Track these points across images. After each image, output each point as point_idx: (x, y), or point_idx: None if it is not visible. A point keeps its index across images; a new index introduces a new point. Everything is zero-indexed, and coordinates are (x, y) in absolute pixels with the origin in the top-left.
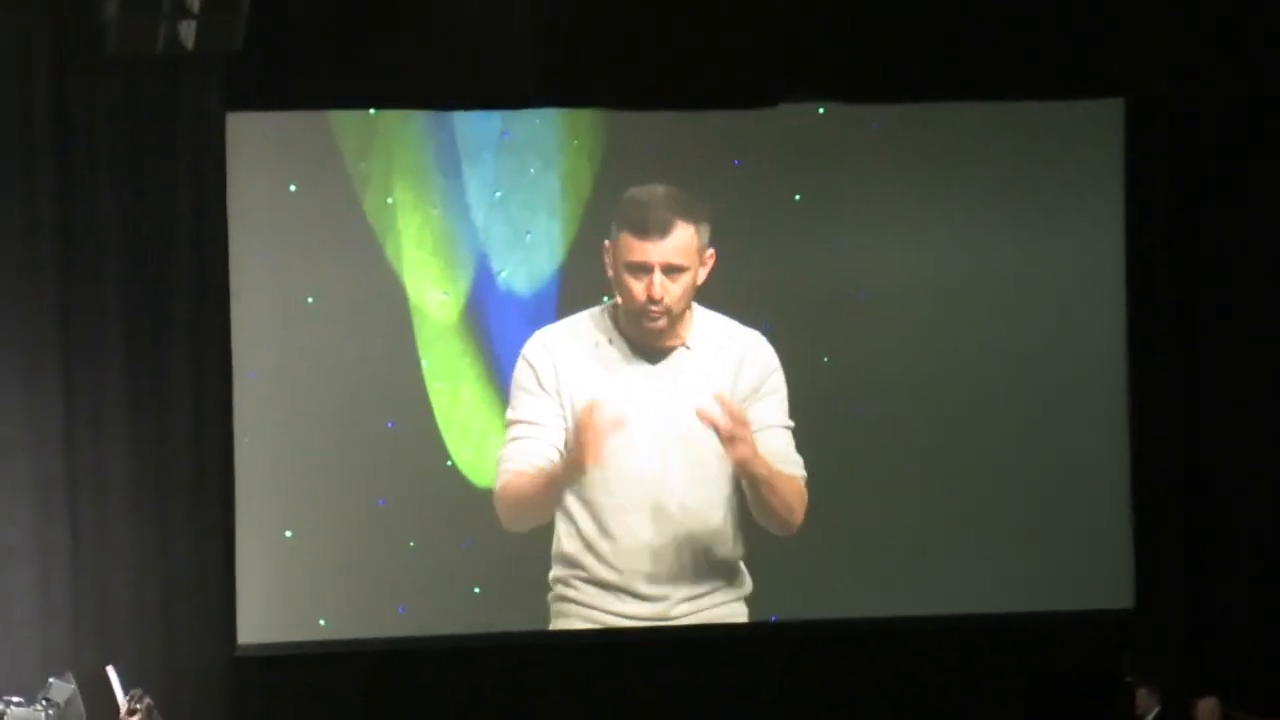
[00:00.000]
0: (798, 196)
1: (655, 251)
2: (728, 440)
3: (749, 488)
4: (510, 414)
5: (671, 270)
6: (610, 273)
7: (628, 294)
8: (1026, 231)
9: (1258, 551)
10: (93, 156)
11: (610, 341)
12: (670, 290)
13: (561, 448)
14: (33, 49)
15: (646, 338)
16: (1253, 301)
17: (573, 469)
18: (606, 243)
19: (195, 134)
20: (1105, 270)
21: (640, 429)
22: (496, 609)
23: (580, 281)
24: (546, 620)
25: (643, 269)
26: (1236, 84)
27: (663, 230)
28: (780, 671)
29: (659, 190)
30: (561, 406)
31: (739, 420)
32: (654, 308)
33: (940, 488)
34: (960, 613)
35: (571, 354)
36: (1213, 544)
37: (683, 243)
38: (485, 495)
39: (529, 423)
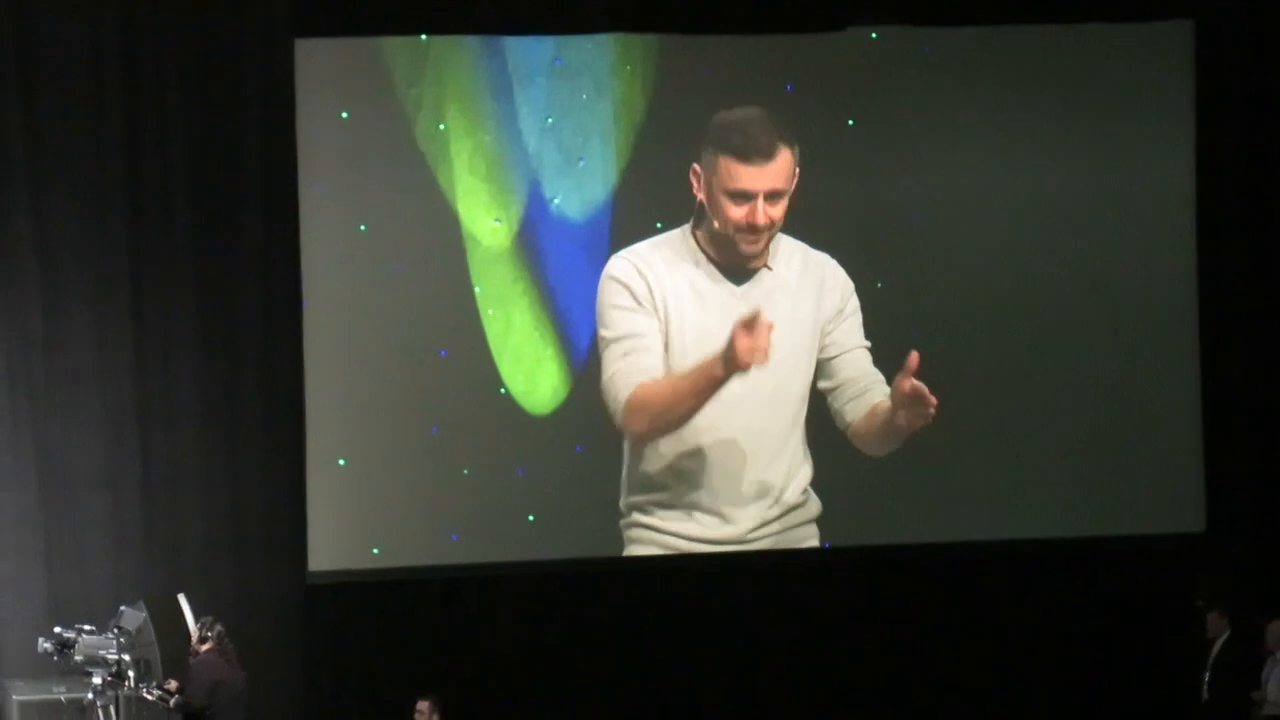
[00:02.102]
0: (851, 121)
1: (760, 178)
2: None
3: (887, 416)
4: (607, 333)
5: (773, 195)
6: (701, 196)
7: (725, 219)
8: (1089, 155)
9: None
10: (161, 84)
11: (696, 264)
12: (772, 215)
13: (663, 361)
14: None
15: (735, 260)
16: None
17: (721, 378)
18: (696, 166)
19: (263, 60)
20: (1174, 193)
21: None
22: (554, 536)
23: (633, 207)
24: (611, 547)
25: (745, 196)
26: None
27: (767, 155)
28: (851, 596)
29: (755, 113)
30: (659, 321)
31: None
32: (753, 234)
33: (1006, 414)
34: (1031, 538)
35: (660, 274)
36: None
37: (784, 167)
38: (539, 423)
39: (632, 336)
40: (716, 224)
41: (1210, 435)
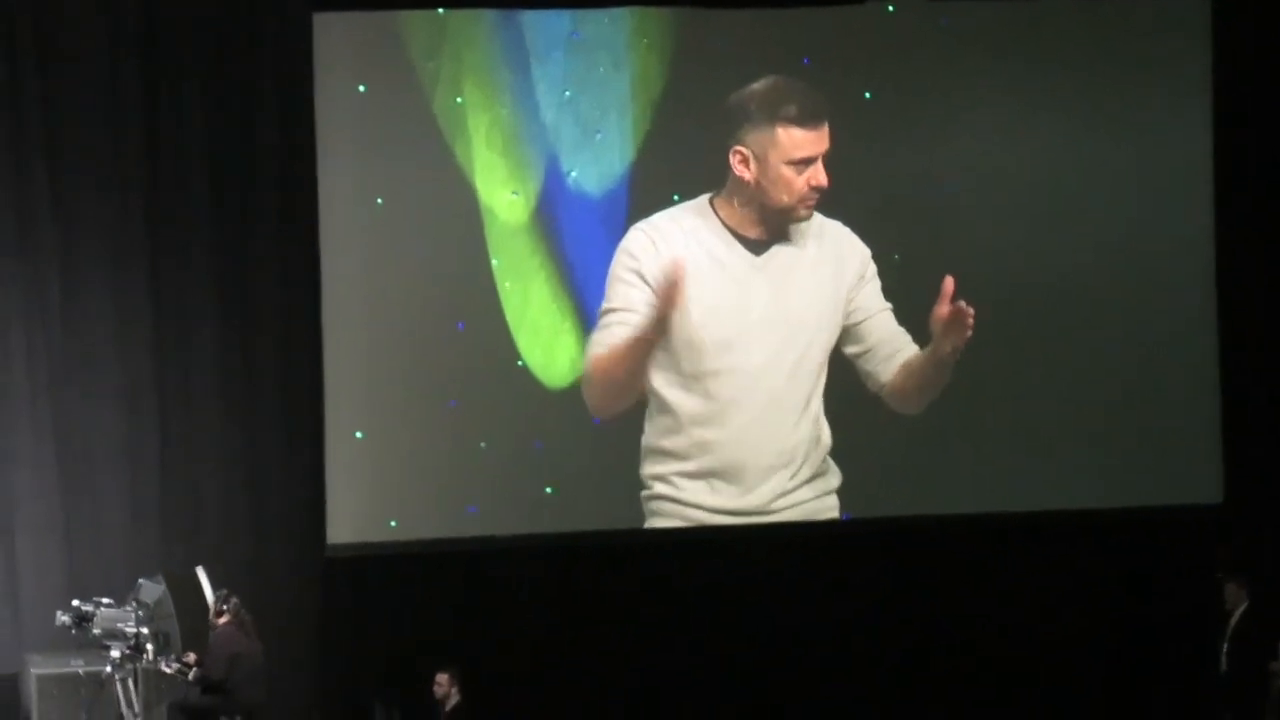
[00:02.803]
0: (868, 94)
1: (820, 141)
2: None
3: (928, 368)
4: (605, 304)
5: (824, 157)
6: (748, 175)
7: (791, 189)
8: (1106, 128)
9: None
10: (179, 59)
11: (716, 236)
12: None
13: (650, 334)
14: None
15: (764, 230)
16: None
17: (657, 326)
18: (740, 148)
19: (281, 34)
20: (1193, 165)
21: (746, 320)
22: (571, 509)
23: (651, 181)
24: (629, 519)
25: (807, 161)
26: None
27: (821, 118)
28: (871, 568)
29: (786, 82)
30: (656, 297)
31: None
32: (815, 197)
33: (1023, 387)
34: (1049, 509)
35: (676, 245)
36: None
37: (829, 128)
38: (556, 396)
39: (622, 309)
40: (785, 197)
41: (1228, 407)
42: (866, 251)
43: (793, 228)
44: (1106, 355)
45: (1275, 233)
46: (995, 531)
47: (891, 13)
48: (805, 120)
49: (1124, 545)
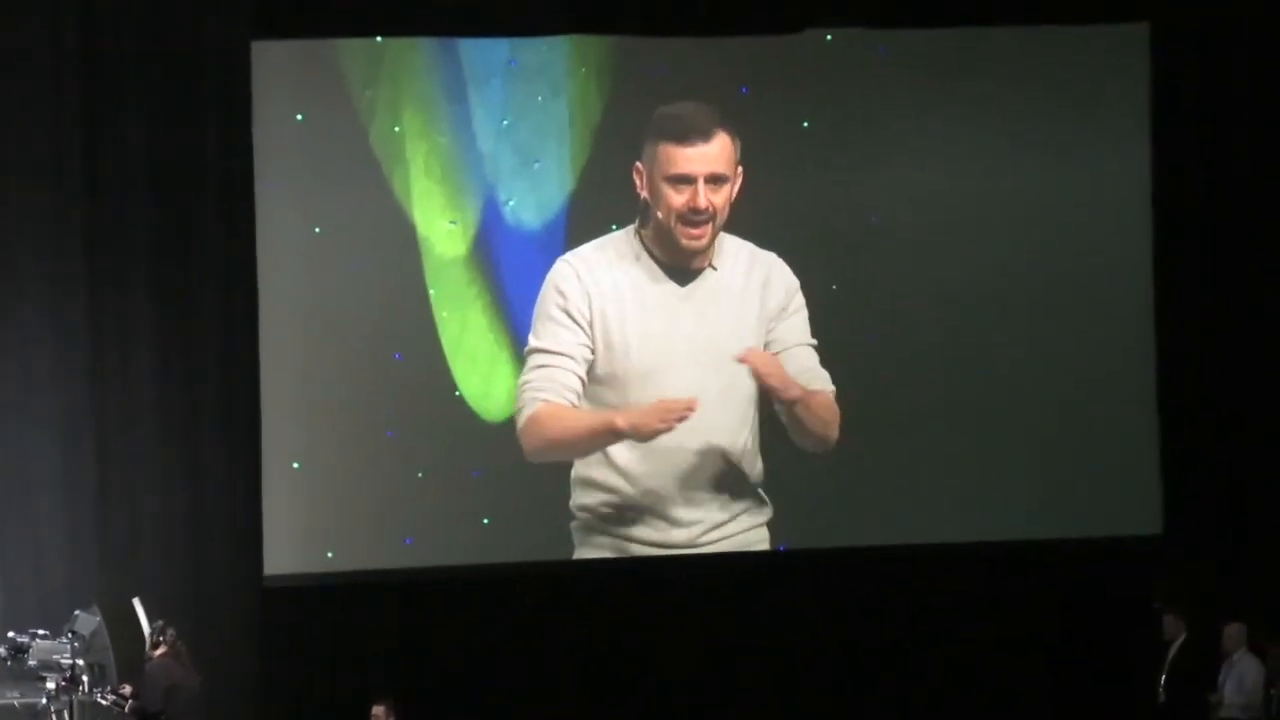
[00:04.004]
0: (806, 123)
1: (699, 160)
2: (768, 387)
3: (786, 412)
4: (534, 341)
5: (714, 180)
6: (644, 193)
7: (667, 207)
8: (1045, 158)
9: None
10: (119, 85)
11: (640, 264)
12: (713, 201)
13: (585, 377)
14: None
15: (679, 258)
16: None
17: (619, 436)
18: (638, 164)
19: (220, 62)
20: (1131, 196)
21: (671, 350)
22: (508, 539)
23: (590, 210)
24: (566, 550)
25: (685, 180)
26: (1262, 6)
27: (704, 136)
28: (805, 599)
29: (691, 104)
30: (589, 337)
31: (774, 367)
32: (698, 219)
33: (962, 415)
34: (988, 540)
35: (600, 278)
36: (1240, 472)
37: (724, 152)
38: (494, 427)
39: (554, 352)
40: (660, 214)
41: (1167, 438)
42: (795, 283)
43: (721, 256)
44: (1044, 385)
45: (1213, 262)
46: (932, 563)
47: (830, 42)
48: (684, 137)
49: (1062, 576)
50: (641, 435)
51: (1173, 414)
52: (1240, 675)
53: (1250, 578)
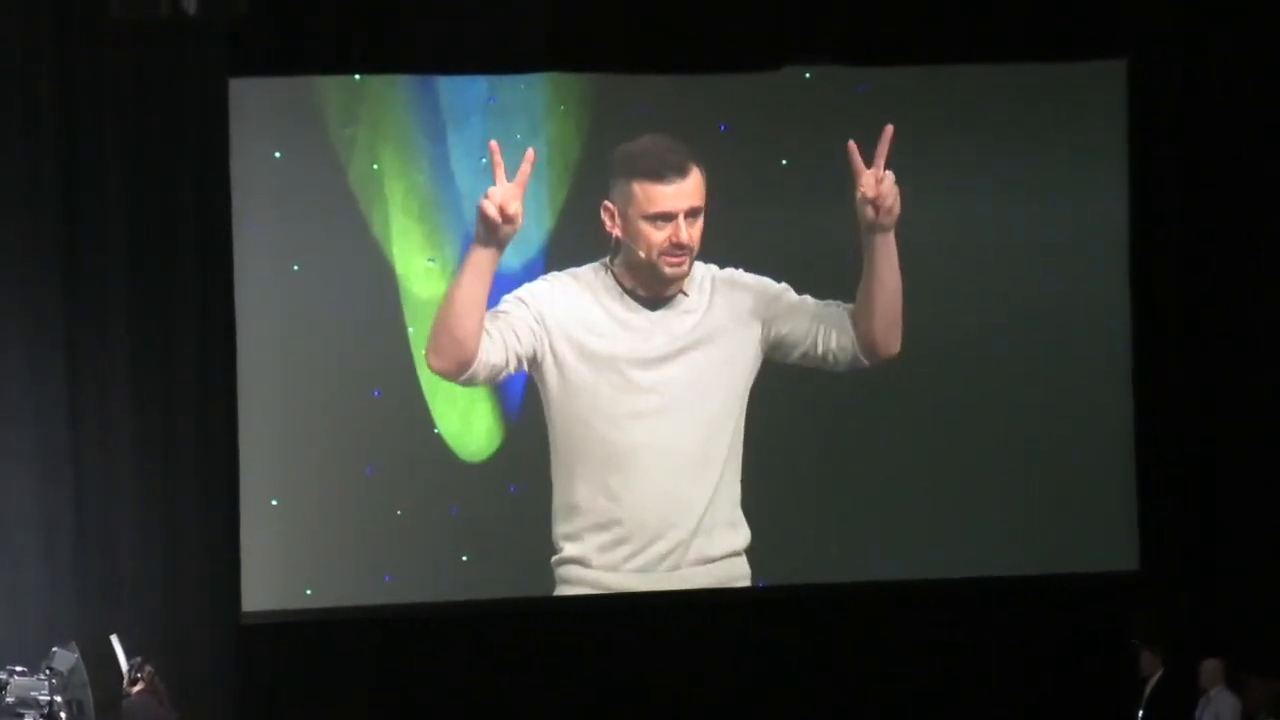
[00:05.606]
0: (785, 161)
1: (678, 196)
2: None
3: (872, 285)
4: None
5: (692, 214)
6: (616, 231)
7: (649, 245)
8: (1022, 195)
9: (1263, 514)
10: (96, 123)
11: (610, 295)
12: (693, 234)
13: (520, 346)
14: (39, 14)
15: (654, 288)
16: (1258, 261)
17: (493, 233)
18: (607, 202)
19: (198, 99)
20: (1108, 234)
21: (648, 377)
22: (487, 576)
23: (569, 248)
24: (546, 586)
25: (666, 217)
26: (1239, 44)
27: (681, 172)
28: (784, 635)
29: (655, 138)
30: (536, 323)
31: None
32: (679, 254)
33: (941, 452)
34: (964, 576)
35: (569, 289)
36: (1218, 507)
37: (697, 185)
38: (472, 465)
39: (500, 314)
40: (641, 253)
41: (1143, 474)
42: (779, 288)
43: (691, 281)
44: (1021, 421)
45: (1191, 300)
46: (908, 598)
47: (809, 79)
48: (662, 175)
49: (1039, 612)
50: (509, 213)
51: (1149, 450)
52: (1217, 711)
53: (1227, 613)
